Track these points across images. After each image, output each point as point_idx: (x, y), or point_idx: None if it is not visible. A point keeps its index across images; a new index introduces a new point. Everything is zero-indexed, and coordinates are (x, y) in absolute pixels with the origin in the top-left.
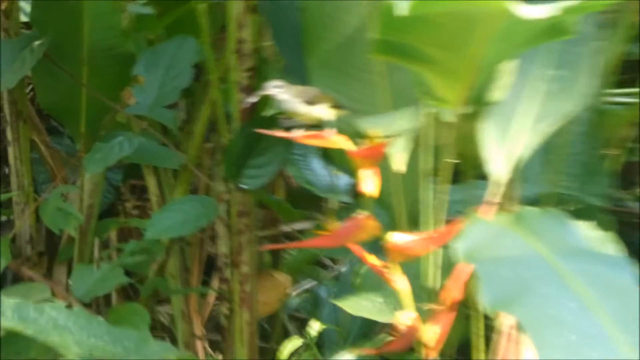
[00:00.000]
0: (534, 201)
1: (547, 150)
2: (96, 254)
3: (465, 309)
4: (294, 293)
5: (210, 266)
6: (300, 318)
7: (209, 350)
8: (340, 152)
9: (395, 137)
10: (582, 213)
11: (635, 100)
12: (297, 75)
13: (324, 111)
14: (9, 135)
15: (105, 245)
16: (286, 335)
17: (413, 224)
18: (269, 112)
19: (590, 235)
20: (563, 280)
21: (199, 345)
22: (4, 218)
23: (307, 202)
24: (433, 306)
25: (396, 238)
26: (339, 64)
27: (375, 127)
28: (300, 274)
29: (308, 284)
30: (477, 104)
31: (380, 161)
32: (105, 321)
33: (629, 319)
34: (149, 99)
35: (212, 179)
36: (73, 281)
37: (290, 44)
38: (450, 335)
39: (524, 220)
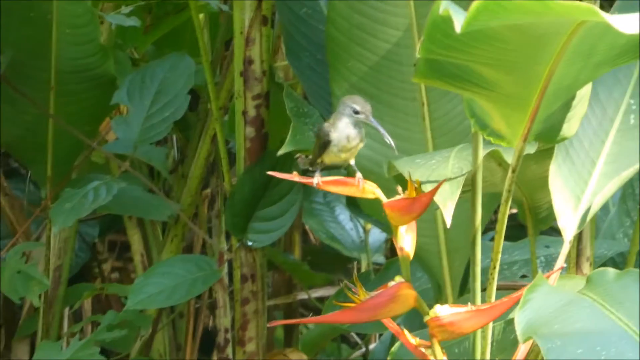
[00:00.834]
0: (609, 260)
1: (625, 199)
2: (65, 327)
3: None
4: None
5: (208, 343)
6: None
7: None
8: (371, 201)
9: (441, 182)
10: None
11: None
12: (318, 102)
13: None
14: None
15: (77, 317)
16: None
17: (460, 290)
18: (282, 150)
19: None
20: None
21: None
22: None
23: (330, 262)
24: None
25: (440, 311)
26: (371, 89)
27: (414, 169)
28: (321, 353)
29: None
30: (545, 139)
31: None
32: None
33: None
34: (132, 134)
35: (210, 234)
36: None
37: (309, 63)
38: None
39: (598, 284)
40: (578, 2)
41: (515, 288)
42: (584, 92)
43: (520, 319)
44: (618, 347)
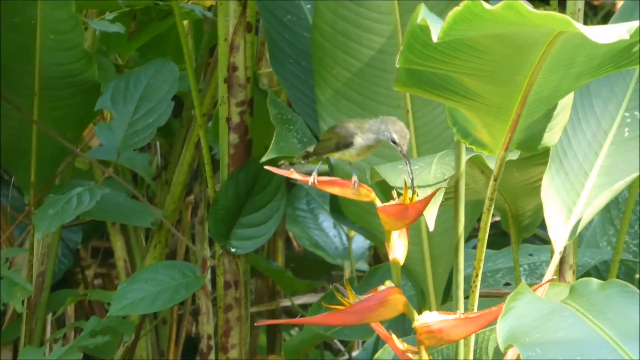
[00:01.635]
0: (593, 269)
1: (608, 207)
2: (48, 333)
3: None
4: None
5: (190, 350)
6: None
7: None
8: (356, 208)
9: (436, 190)
10: None
11: None
12: (302, 109)
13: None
14: None
15: (60, 322)
16: None
17: (443, 298)
18: (266, 157)
19: None
20: None
21: None
22: None
23: (314, 270)
24: None
25: (427, 318)
26: (356, 95)
27: (396, 175)
28: None
29: None
30: (527, 148)
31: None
32: None
33: None
34: (116, 140)
35: (194, 241)
36: None
37: (293, 70)
38: None
39: (581, 294)
40: (553, 12)
41: (498, 296)
42: (566, 102)
43: (502, 326)
44: (599, 357)
